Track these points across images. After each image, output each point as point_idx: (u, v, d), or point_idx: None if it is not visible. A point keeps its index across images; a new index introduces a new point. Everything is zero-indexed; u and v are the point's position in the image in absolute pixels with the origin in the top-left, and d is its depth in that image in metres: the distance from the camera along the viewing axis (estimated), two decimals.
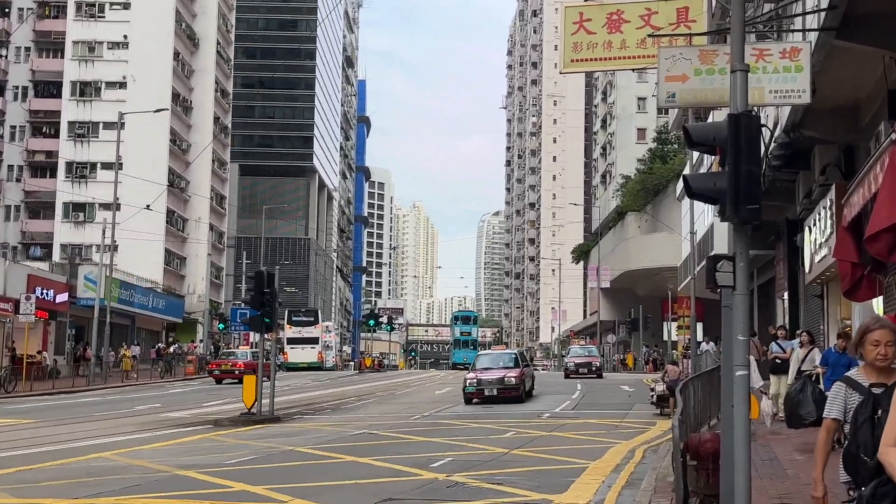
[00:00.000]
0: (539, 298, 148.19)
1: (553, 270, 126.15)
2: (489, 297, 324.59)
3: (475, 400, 26.30)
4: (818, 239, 21.32)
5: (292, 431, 20.51)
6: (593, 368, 45.76)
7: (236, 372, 41.40)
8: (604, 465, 13.99)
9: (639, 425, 20.12)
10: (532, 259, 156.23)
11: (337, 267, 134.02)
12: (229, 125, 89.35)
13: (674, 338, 59.56)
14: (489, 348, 76.23)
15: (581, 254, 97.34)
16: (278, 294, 24.67)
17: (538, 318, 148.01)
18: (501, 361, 28.63)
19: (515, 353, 29.79)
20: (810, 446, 12.49)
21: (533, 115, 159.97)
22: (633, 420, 21.57)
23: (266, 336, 25.85)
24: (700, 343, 37.17)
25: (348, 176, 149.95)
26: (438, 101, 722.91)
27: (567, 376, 45.60)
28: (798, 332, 20.75)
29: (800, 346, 17.27)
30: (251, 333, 60.47)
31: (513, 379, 26.63)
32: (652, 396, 23.88)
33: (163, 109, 63.90)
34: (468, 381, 26.70)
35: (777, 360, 17.81)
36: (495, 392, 26.05)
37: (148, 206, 56.80)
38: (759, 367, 17.79)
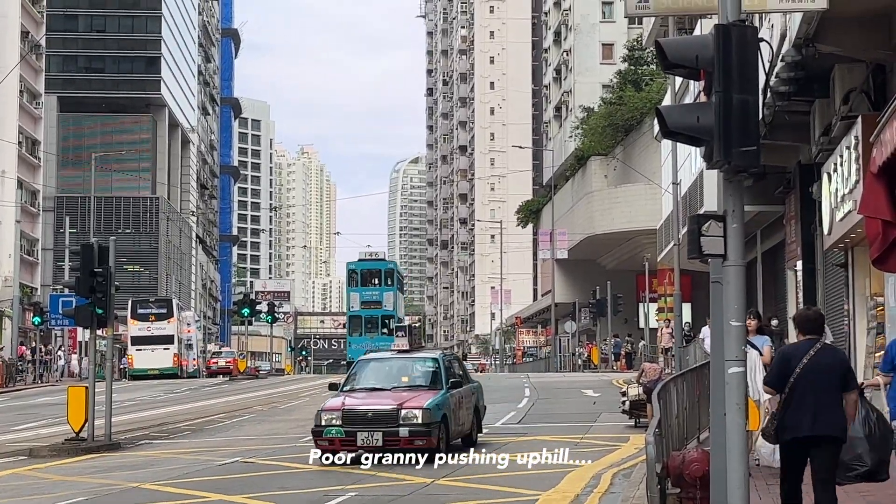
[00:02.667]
0: (474, 275, 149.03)
1: (492, 237, 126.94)
2: (407, 273, 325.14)
3: (339, 458, 17.95)
4: (840, 189, 21.76)
5: (138, 462, 20.34)
6: None
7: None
8: (559, 496, 14.16)
9: (606, 442, 20.40)
10: (464, 222, 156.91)
11: (197, 236, 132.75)
12: (43, 42, 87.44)
13: (652, 324, 60.44)
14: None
15: (529, 214, 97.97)
16: (115, 275, 24.35)
17: (473, 301, 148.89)
18: (405, 375, 20.43)
19: (437, 359, 20.98)
20: None
21: (462, 27, 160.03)
22: (599, 435, 21.84)
23: (100, 333, 25.50)
24: (700, 329, 37.73)
25: (211, 111, 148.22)
26: (334, 6, 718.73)
27: None
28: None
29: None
30: (78, 330, 59.66)
31: (417, 415, 18.28)
32: (623, 403, 23.83)
33: None
34: (325, 415, 18.61)
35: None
36: (379, 441, 18.12)
37: None
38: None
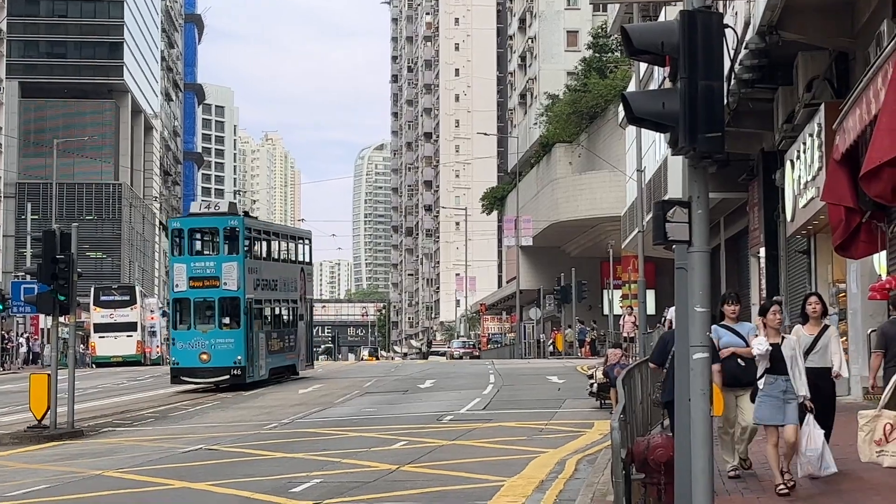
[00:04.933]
0: (439, 262, 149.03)
1: (457, 224, 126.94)
2: (372, 260, 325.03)
3: None
4: (803, 177, 21.88)
5: (101, 449, 20.25)
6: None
7: None
8: (524, 482, 14.19)
9: (571, 428, 20.46)
10: (429, 209, 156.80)
11: (161, 223, 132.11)
12: (4, 27, 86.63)
13: (617, 311, 60.63)
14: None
15: (494, 201, 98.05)
16: (78, 262, 24.17)
17: (438, 288, 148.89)
18: None
19: None
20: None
21: (427, 13, 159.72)
22: (564, 421, 21.91)
23: (62, 320, 25.29)
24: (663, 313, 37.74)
25: (174, 97, 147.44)
26: None
27: None
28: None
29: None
30: (40, 317, 59.23)
31: None
32: (591, 386, 24.65)
33: None
34: None
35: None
36: None
37: None
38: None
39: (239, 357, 34.53)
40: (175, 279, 36.37)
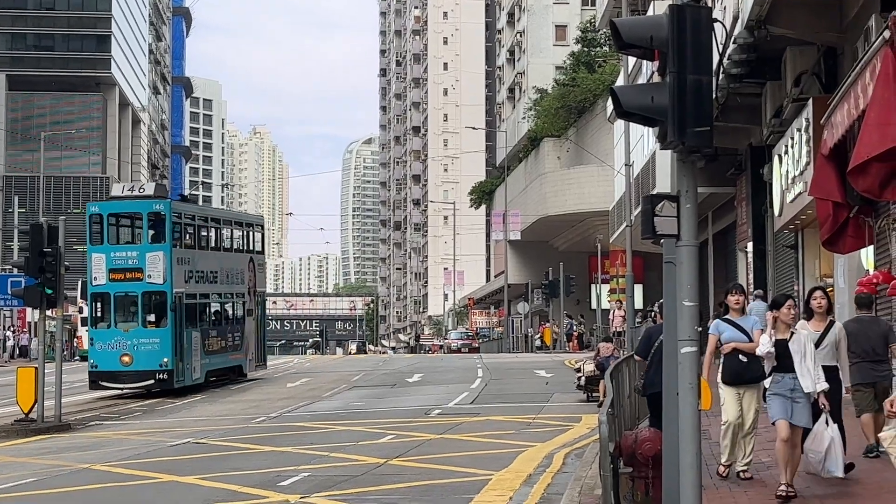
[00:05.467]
0: (427, 256, 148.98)
1: (445, 218, 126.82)
2: (360, 254, 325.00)
3: None
4: (791, 171, 21.92)
5: (89, 443, 20.25)
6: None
7: None
8: (512, 475, 14.21)
9: (559, 422, 20.50)
10: (417, 203, 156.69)
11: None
12: None
13: (605, 305, 60.68)
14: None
15: (482, 195, 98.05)
16: (65, 255, 24.14)
17: (426, 282, 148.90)
18: None
19: None
20: (774, 445, 12.88)
21: (416, 7, 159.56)
22: (552, 415, 21.95)
23: (49, 314, 25.25)
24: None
25: (162, 90, 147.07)
26: None
27: None
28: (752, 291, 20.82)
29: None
30: (27, 310, 59.09)
31: None
32: (578, 379, 25.02)
33: None
34: None
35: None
36: None
37: None
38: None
39: (165, 359, 30.71)
40: (93, 271, 31.82)
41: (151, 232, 31.64)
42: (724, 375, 12.39)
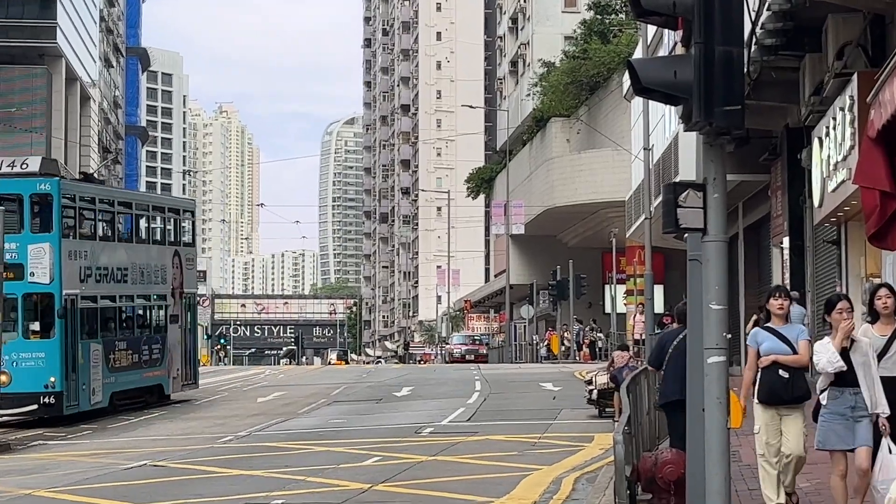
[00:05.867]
0: (418, 252, 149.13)
1: (439, 209, 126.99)
2: (341, 251, 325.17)
3: None
4: (833, 156, 21.93)
5: (31, 466, 20.20)
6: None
7: None
8: (514, 503, 14.20)
9: (568, 441, 20.50)
10: (406, 192, 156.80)
11: None
12: None
13: (620, 308, 60.74)
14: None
15: (481, 183, 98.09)
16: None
17: (416, 282, 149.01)
18: None
19: None
20: (816, 468, 12.90)
21: None
22: (560, 434, 21.94)
23: None
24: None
25: (115, 63, 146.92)
26: None
27: None
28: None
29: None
30: None
31: None
32: (590, 392, 25.04)
33: None
34: None
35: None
36: None
37: None
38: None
39: (52, 378, 27.79)
40: None
41: (35, 219, 28.60)
42: (759, 393, 11.58)
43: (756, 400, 11.60)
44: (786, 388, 11.45)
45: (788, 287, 30.13)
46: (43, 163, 29.84)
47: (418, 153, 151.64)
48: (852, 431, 10.61)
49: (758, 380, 11.62)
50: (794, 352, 11.47)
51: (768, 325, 11.84)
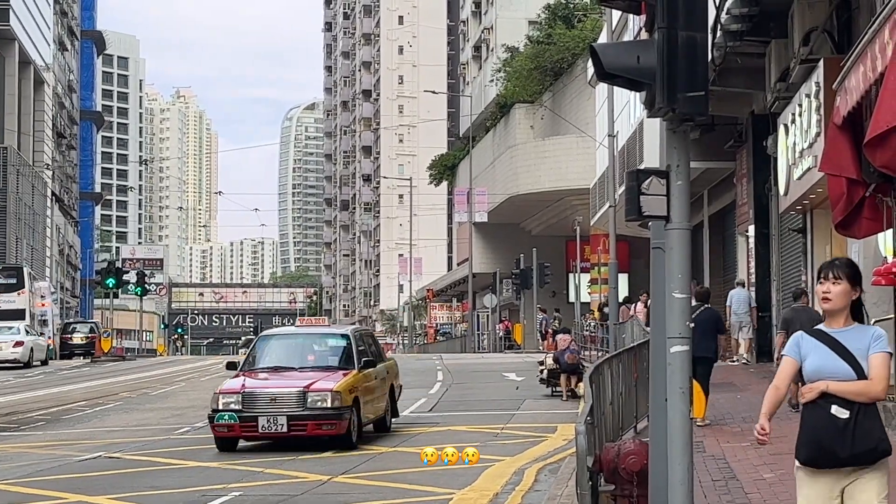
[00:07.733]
0: (379, 241, 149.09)
1: (401, 197, 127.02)
2: (301, 239, 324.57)
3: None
4: (799, 144, 22.03)
5: None
6: None
7: None
8: (476, 495, 14.22)
9: (531, 432, 20.54)
10: (367, 179, 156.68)
11: (54, 193, 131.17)
12: None
13: (584, 297, 60.89)
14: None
15: (443, 170, 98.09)
16: None
17: (378, 271, 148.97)
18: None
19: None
20: (780, 458, 12.96)
21: None
22: (523, 424, 21.98)
23: None
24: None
25: (69, 46, 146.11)
26: None
27: None
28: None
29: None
30: None
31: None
32: (541, 372, 27.88)
33: None
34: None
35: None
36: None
37: None
38: None
39: None
40: None
41: None
42: (800, 449, 7.12)
43: (796, 461, 7.17)
44: (841, 440, 6.93)
45: (754, 276, 30.31)
46: None
47: (380, 139, 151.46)
48: None
49: (800, 421, 7.17)
50: (861, 375, 6.99)
51: (821, 327, 7.23)
